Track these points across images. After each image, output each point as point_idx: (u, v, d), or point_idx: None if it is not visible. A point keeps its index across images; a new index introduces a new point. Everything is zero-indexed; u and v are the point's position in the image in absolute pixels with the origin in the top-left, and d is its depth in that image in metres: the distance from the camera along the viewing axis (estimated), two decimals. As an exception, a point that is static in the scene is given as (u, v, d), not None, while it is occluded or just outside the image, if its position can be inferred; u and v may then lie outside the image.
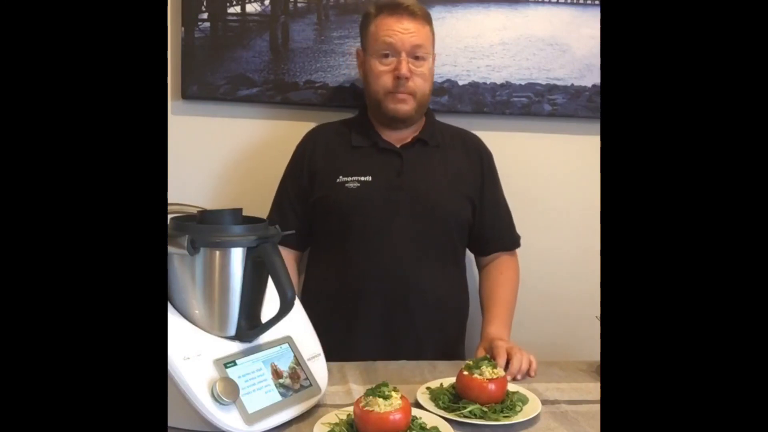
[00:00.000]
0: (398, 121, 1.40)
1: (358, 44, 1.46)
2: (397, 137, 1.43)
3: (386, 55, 1.36)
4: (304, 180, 1.43)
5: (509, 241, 1.50)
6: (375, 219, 1.36)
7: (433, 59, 1.44)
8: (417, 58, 1.36)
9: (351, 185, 1.38)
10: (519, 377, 1.18)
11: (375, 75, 1.38)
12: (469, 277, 1.51)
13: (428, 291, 1.38)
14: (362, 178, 1.38)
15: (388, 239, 1.36)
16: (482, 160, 1.48)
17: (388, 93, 1.37)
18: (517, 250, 1.52)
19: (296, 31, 1.57)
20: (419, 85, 1.37)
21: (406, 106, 1.38)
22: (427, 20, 1.40)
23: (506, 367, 1.17)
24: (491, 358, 1.09)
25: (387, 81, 1.37)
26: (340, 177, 1.39)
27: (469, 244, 1.50)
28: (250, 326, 0.97)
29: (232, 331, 0.96)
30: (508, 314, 1.41)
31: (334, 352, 1.13)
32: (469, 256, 1.53)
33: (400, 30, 1.35)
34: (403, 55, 1.35)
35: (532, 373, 1.19)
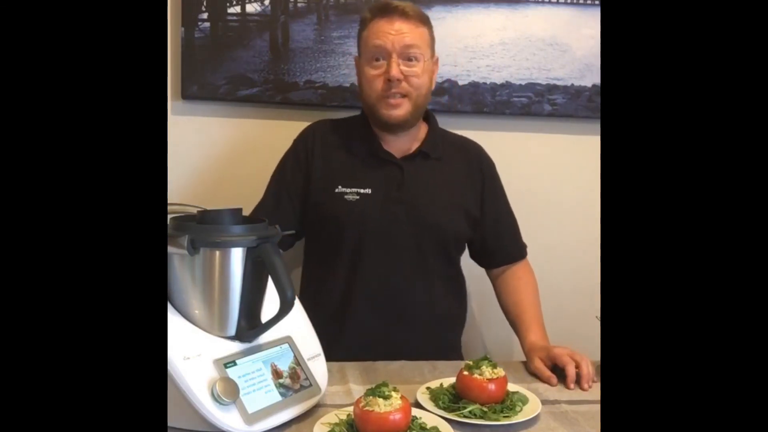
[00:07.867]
0: (394, 127, 1.36)
1: (359, 45, 1.46)
2: (399, 147, 1.40)
3: (377, 59, 1.32)
4: (304, 176, 1.39)
5: (515, 251, 1.48)
6: (372, 232, 1.34)
7: (436, 63, 1.40)
8: (410, 59, 1.32)
9: (350, 197, 1.35)
10: (590, 384, 1.15)
11: (367, 80, 1.34)
12: (467, 283, 1.50)
13: (425, 303, 1.37)
14: (362, 191, 1.35)
15: (385, 252, 1.35)
16: (483, 171, 1.45)
17: (381, 98, 1.33)
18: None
19: (296, 31, 1.57)
20: (414, 85, 1.32)
21: (400, 111, 1.33)
22: (423, 21, 1.35)
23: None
24: (560, 367, 1.16)
25: (378, 85, 1.32)
26: (339, 187, 1.36)
27: (475, 257, 1.50)
28: (250, 326, 0.97)
29: (232, 331, 0.96)
30: (540, 318, 1.38)
31: (329, 360, 1.12)
32: (470, 265, 1.51)
33: (391, 31, 1.31)
34: (394, 56, 1.30)
35: (596, 378, 1.17)
